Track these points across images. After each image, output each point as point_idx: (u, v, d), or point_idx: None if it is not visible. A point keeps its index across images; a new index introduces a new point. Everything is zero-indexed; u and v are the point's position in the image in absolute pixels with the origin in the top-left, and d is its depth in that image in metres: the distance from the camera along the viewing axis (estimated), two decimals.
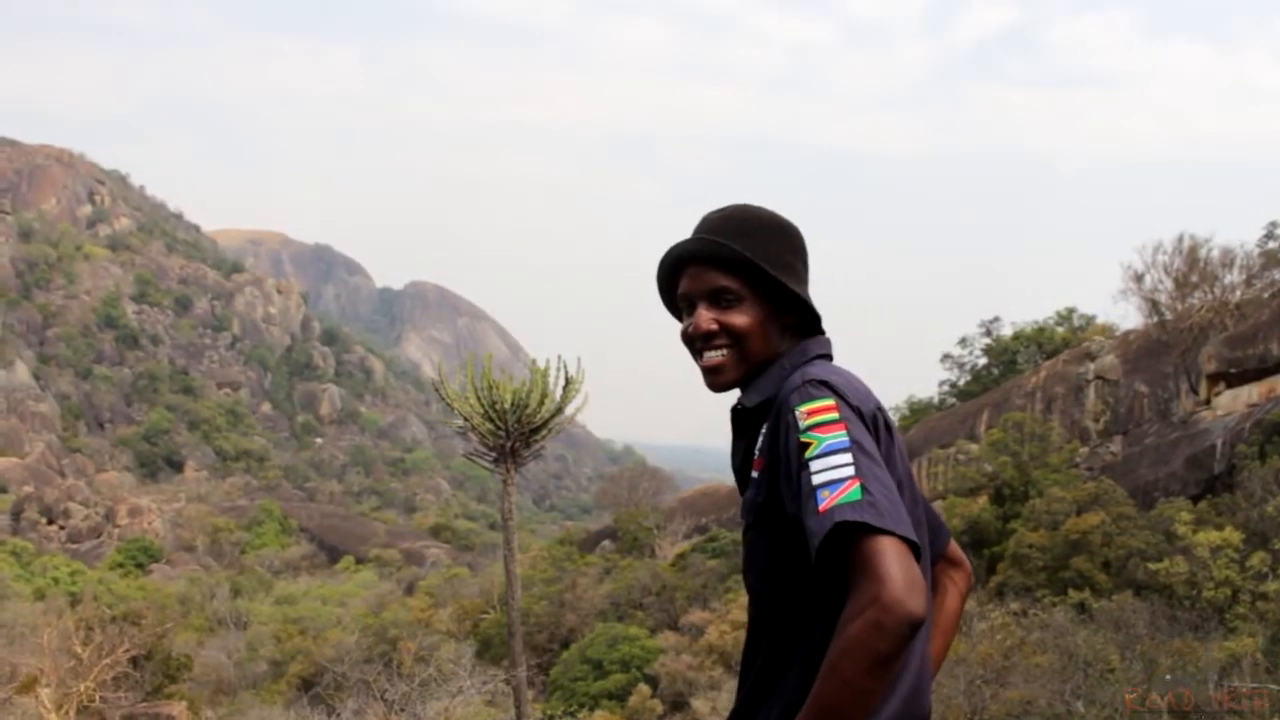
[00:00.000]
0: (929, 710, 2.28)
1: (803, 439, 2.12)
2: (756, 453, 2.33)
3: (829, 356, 2.39)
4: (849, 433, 2.11)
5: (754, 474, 2.33)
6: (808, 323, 2.42)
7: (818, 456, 2.09)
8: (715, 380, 2.41)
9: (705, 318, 2.37)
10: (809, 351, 2.38)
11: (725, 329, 2.36)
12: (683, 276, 2.43)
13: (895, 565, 1.96)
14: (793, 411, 2.17)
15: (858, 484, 2.03)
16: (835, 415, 2.13)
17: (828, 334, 2.45)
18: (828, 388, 2.18)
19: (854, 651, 1.93)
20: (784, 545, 2.23)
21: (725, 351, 2.37)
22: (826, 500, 2.03)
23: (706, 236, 2.39)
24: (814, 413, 2.14)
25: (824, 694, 1.96)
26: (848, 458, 2.07)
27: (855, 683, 1.94)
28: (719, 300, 2.37)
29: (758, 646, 2.34)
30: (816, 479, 2.07)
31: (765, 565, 2.31)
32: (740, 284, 2.36)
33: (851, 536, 2.00)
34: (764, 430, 2.31)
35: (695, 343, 2.41)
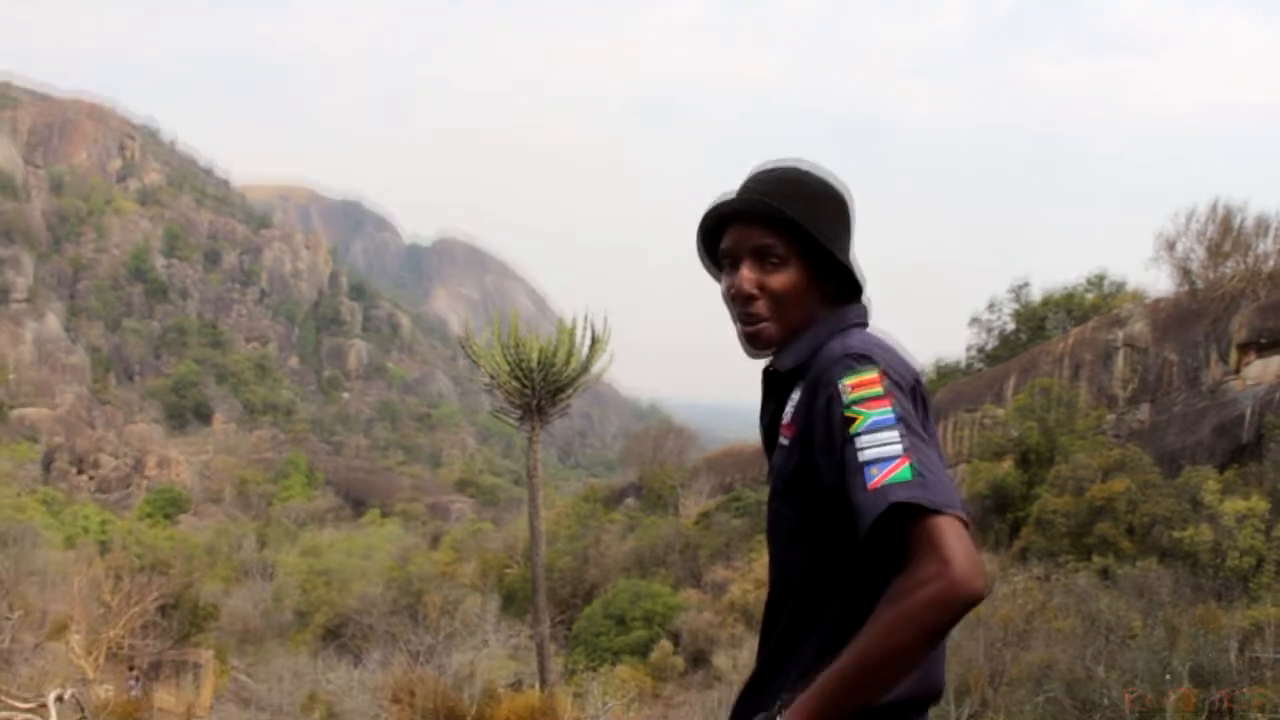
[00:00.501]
0: (943, 685, 2.29)
1: (847, 413, 2.11)
2: (787, 418, 2.31)
3: (865, 324, 2.36)
4: (894, 408, 2.10)
5: (783, 440, 2.31)
6: (848, 290, 2.39)
7: (864, 432, 2.07)
8: (753, 346, 2.39)
9: (748, 278, 2.34)
10: (847, 318, 2.35)
11: (766, 292, 2.34)
12: (727, 233, 2.39)
13: (958, 544, 1.96)
14: (835, 384, 2.15)
15: (907, 463, 2.03)
16: (879, 390, 2.12)
17: (867, 301, 2.41)
18: (870, 360, 2.16)
19: (913, 620, 1.93)
20: (813, 515, 2.23)
21: (765, 317, 2.35)
22: (876, 478, 2.02)
23: (756, 196, 2.35)
24: (858, 386, 2.12)
25: (868, 653, 1.96)
26: (894, 434, 2.06)
27: (903, 651, 1.95)
28: (763, 261, 2.34)
29: (778, 613, 2.34)
30: (864, 455, 2.05)
31: (791, 533, 2.31)
32: (786, 246, 2.32)
33: (905, 516, 1.99)
34: (796, 396, 2.30)
35: (735, 303, 2.39)
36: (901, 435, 2.06)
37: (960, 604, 1.94)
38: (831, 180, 2.41)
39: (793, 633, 2.28)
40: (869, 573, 2.09)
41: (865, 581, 2.11)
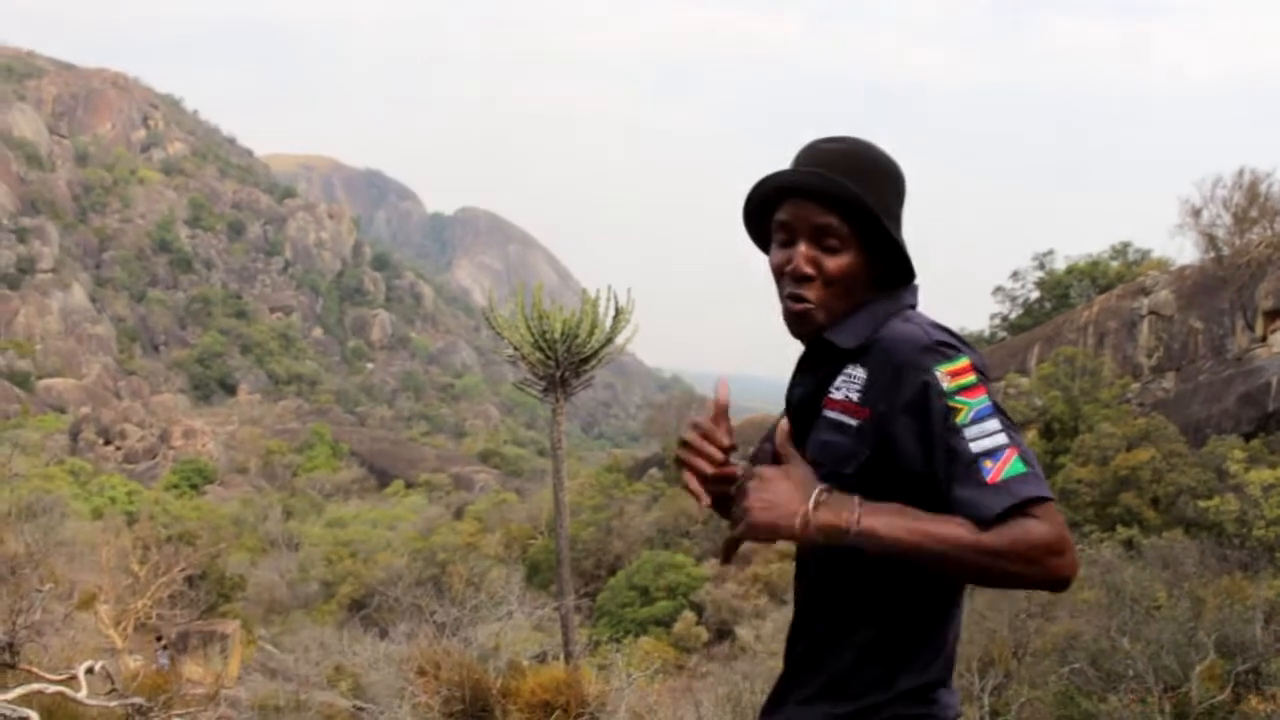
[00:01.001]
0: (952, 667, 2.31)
1: (951, 403, 2.08)
2: (843, 395, 2.23)
3: (916, 306, 2.31)
4: (990, 396, 2.09)
5: (842, 417, 2.22)
6: (900, 273, 2.31)
7: (971, 423, 2.06)
8: (800, 328, 2.32)
9: (805, 256, 2.26)
10: (903, 299, 2.29)
11: (822, 274, 2.26)
12: (784, 205, 2.30)
13: (1067, 532, 2.00)
14: (930, 371, 2.10)
15: (1016, 455, 2.03)
16: (974, 378, 2.10)
17: (918, 285, 2.35)
18: (958, 349, 2.14)
19: (1017, 564, 1.97)
20: (885, 499, 2.16)
21: (814, 301, 2.27)
22: (993, 471, 2.02)
23: (821, 171, 2.25)
24: (955, 375, 2.10)
25: (963, 552, 1.99)
26: (997, 424, 2.06)
27: (988, 574, 2.01)
28: (821, 240, 2.26)
29: (825, 601, 2.27)
30: (975, 447, 2.04)
31: None
32: (846, 227, 2.24)
33: (1021, 507, 2.00)
34: (859, 374, 2.22)
35: (787, 280, 2.30)
36: (1003, 425, 2.07)
37: (1060, 582, 1.99)
38: (892, 158, 2.33)
39: (839, 626, 2.23)
40: (914, 579, 2.09)
41: (908, 589, 2.12)
